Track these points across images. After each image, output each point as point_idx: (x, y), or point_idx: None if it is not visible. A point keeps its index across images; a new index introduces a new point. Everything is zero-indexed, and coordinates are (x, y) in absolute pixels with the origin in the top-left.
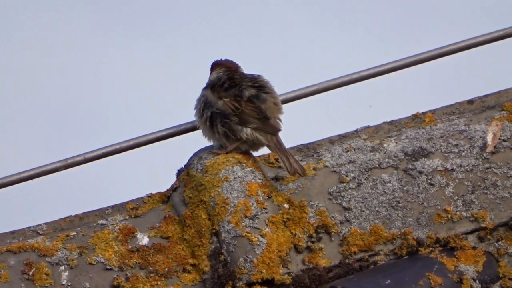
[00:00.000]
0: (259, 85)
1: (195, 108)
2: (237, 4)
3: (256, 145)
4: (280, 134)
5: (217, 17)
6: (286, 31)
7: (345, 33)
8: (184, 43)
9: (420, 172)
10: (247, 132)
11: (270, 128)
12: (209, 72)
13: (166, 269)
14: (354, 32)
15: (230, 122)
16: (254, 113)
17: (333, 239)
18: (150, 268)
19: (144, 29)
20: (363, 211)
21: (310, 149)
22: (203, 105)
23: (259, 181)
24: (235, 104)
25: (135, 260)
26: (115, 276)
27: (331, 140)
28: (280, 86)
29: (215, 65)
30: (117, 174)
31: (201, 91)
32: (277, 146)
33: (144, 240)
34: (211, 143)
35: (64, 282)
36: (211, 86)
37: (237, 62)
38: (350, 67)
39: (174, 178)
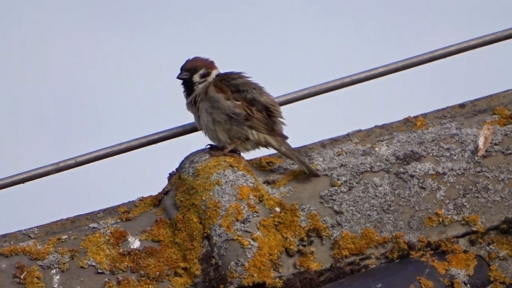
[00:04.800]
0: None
1: (189, 102)
2: (235, 3)
3: (259, 146)
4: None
5: (211, 18)
6: (278, 33)
7: (337, 35)
8: (178, 45)
9: (412, 176)
10: (253, 133)
11: (278, 136)
12: (198, 68)
13: (158, 272)
14: (347, 35)
15: (242, 124)
16: (263, 122)
17: (324, 242)
18: (142, 272)
19: (137, 32)
20: (354, 214)
21: (301, 153)
22: (211, 104)
23: (250, 184)
24: (247, 110)
25: (126, 263)
26: (106, 279)
27: (322, 144)
28: (272, 90)
29: (213, 64)
30: (108, 178)
31: (196, 86)
32: (290, 149)
33: (135, 243)
34: (210, 141)
35: (55, 286)
36: (218, 83)
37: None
38: (342, 70)
39: (166, 182)
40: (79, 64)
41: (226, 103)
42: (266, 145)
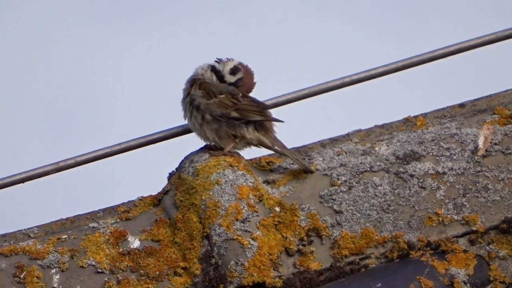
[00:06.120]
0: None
1: (183, 110)
2: (234, 3)
3: (251, 146)
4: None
5: (211, 18)
6: (278, 33)
7: (337, 35)
8: (178, 45)
9: (412, 176)
10: (249, 131)
11: (273, 118)
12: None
13: (157, 272)
14: (347, 35)
15: (231, 120)
16: (253, 106)
17: (324, 242)
18: (141, 271)
19: (137, 31)
20: (354, 214)
21: (301, 153)
22: (192, 107)
23: (250, 184)
24: (232, 100)
25: (126, 263)
26: (106, 279)
27: (322, 144)
28: (271, 90)
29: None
30: (108, 177)
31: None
32: (283, 146)
33: (135, 243)
34: (205, 143)
35: (55, 285)
36: (204, 84)
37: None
38: (342, 70)
39: (166, 181)
40: (79, 64)
41: (209, 102)
42: (258, 144)
